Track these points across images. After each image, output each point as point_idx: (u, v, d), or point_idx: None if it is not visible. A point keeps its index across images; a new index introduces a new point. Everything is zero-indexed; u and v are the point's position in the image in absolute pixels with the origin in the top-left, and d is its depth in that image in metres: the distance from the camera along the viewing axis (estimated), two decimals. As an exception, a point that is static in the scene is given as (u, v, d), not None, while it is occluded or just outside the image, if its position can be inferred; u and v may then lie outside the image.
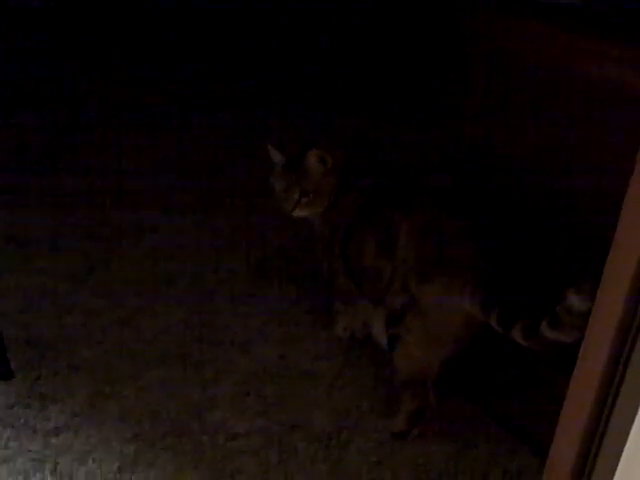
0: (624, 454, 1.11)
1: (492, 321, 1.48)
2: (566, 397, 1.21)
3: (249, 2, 4.10)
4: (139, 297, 2.14)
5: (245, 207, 2.63)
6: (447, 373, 1.70)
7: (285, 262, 2.36)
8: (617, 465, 1.13)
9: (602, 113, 1.48)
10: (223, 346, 1.96)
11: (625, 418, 1.10)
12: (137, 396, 1.77)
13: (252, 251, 2.41)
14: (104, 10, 4.33)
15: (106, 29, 4.24)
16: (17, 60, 3.86)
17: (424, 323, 1.62)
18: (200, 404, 1.76)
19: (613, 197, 1.08)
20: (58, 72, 3.86)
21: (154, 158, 3.01)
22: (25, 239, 2.39)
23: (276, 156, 1.85)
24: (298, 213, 1.83)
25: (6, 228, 2.44)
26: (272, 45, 4.02)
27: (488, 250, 1.59)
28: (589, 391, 1.14)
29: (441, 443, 1.70)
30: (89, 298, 2.12)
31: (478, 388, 1.80)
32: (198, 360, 1.90)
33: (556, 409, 1.26)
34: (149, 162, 2.97)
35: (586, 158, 1.52)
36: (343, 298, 1.95)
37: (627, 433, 1.10)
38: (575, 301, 1.29)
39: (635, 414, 1.08)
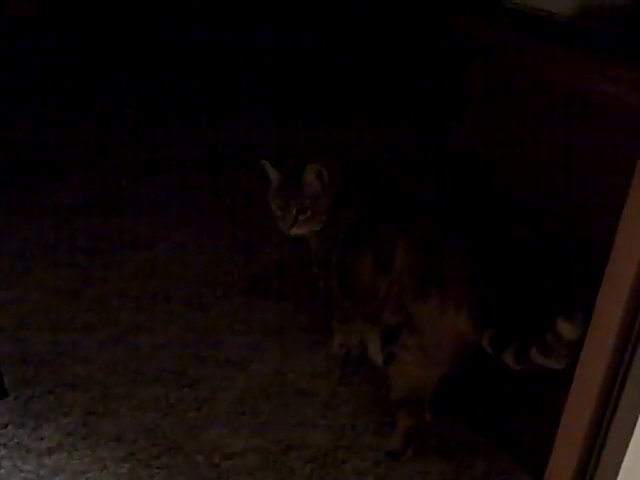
0: (623, 465, 1.11)
1: (484, 342, 1.48)
2: (564, 410, 1.21)
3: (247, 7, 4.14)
4: (134, 313, 2.13)
5: (241, 222, 2.63)
6: (443, 391, 1.70)
7: (281, 278, 2.35)
8: (616, 477, 1.13)
9: (598, 126, 1.48)
10: (219, 363, 1.96)
11: (624, 430, 1.10)
12: (132, 415, 1.76)
13: (248, 267, 2.40)
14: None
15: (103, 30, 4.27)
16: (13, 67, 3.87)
17: (420, 341, 1.61)
18: (195, 423, 1.75)
19: (612, 214, 1.08)
20: (54, 82, 3.86)
21: (151, 173, 3.00)
22: (20, 254, 2.38)
23: (272, 173, 1.81)
24: (296, 231, 1.79)
25: (1, 243, 2.43)
26: (269, 49, 4.05)
27: (485, 270, 1.59)
28: (588, 404, 1.15)
29: (437, 462, 1.69)
30: (84, 314, 2.12)
31: (474, 406, 1.79)
32: (194, 378, 1.89)
33: (552, 428, 1.26)
34: (146, 177, 2.96)
35: (584, 173, 1.52)
36: (339, 316, 1.94)
37: (626, 445, 1.10)
38: (565, 329, 1.29)
39: (634, 426, 1.08)
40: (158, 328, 2.07)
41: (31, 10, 4.48)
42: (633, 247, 1.04)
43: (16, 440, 1.67)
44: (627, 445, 1.10)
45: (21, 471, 1.59)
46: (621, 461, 1.11)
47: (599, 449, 1.16)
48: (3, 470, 1.59)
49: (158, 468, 1.63)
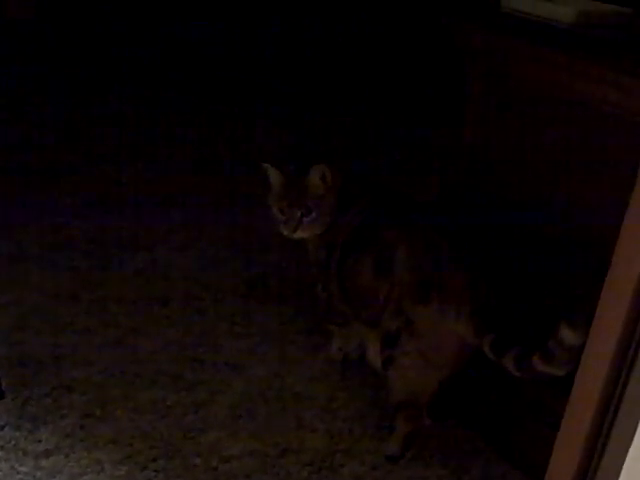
0: (624, 470, 1.11)
1: (485, 347, 1.48)
2: (565, 414, 1.20)
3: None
4: (132, 316, 2.12)
5: (240, 225, 2.63)
6: (441, 396, 1.69)
7: (280, 282, 2.35)
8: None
9: (598, 131, 1.48)
10: (217, 366, 1.95)
11: (625, 434, 1.10)
12: (129, 418, 1.76)
13: (247, 270, 2.40)
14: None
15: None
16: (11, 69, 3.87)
17: (419, 345, 1.61)
18: (193, 426, 1.75)
19: (614, 218, 1.08)
20: (52, 83, 3.86)
21: (150, 175, 3.01)
22: (19, 256, 2.38)
23: (274, 176, 1.79)
24: (300, 234, 1.78)
25: (-1, 245, 2.43)
26: (266, 50, 4.06)
27: (485, 274, 1.59)
28: (589, 407, 1.14)
29: (435, 466, 1.69)
30: (82, 317, 2.11)
31: (472, 411, 1.79)
32: (191, 381, 1.89)
33: (550, 432, 1.26)
34: (145, 180, 2.96)
35: (584, 180, 1.53)
36: (337, 319, 1.94)
37: (627, 449, 1.10)
38: (567, 335, 1.29)
39: (635, 430, 1.08)
40: (156, 331, 2.07)
41: (29, 12, 4.48)
42: (635, 252, 1.04)
43: (13, 442, 1.66)
44: (628, 449, 1.10)
45: (18, 473, 1.59)
46: (622, 465, 1.11)
47: (599, 453, 1.16)
48: (0, 472, 1.59)
49: (155, 471, 1.62)
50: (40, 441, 1.68)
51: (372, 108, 3.76)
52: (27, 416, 1.74)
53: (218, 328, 2.10)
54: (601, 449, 1.15)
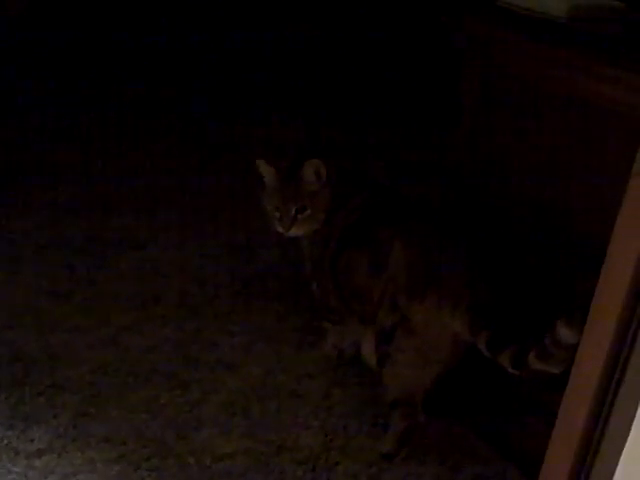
0: (619, 467, 1.11)
1: (480, 344, 1.47)
2: (560, 410, 1.20)
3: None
4: (125, 315, 2.11)
5: (234, 223, 2.61)
6: (436, 393, 1.69)
7: (274, 280, 2.34)
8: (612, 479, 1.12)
9: (595, 127, 1.47)
10: (210, 365, 1.94)
11: (620, 431, 1.10)
12: (122, 416, 1.75)
13: (240, 268, 2.38)
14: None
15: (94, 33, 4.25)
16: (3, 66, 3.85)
17: (414, 342, 1.60)
18: (187, 425, 1.74)
19: (612, 217, 1.07)
20: (44, 81, 3.84)
21: (143, 173, 2.99)
22: (11, 254, 2.36)
23: (268, 173, 1.77)
24: (295, 231, 1.77)
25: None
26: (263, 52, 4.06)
27: (481, 271, 1.58)
28: (584, 404, 1.14)
29: (430, 464, 1.68)
30: (74, 315, 2.10)
31: (467, 408, 1.79)
32: (184, 379, 1.88)
33: (545, 429, 1.26)
34: (137, 178, 2.95)
35: (582, 177, 1.52)
36: (332, 317, 1.93)
37: (622, 446, 1.10)
38: (564, 333, 1.28)
39: (630, 427, 1.08)
40: (149, 329, 2.06)
41: (21, 8, 4.46)
42: (629, 247, 1.03)
43: (5, 442, 1.65)
44: (623, 446, 1.09)
45: (10, 473, 1.57)
46: (617, 462, 1.11)
47: (595, 450, 1.15)
48: (-8, 472, 1.58)
49: (148, 470, 1.61)
50: (33, 440, 1.66)
51: (370, 108, 3.76)
52: (20, 415, 1.73)
53: (212, 326, 2.09)
54: (596, 444, 1.15)
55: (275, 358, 1.99)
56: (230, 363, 1.95)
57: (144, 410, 1.77)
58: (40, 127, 3.31)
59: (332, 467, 1.65)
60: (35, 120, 3.37)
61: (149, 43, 4.20)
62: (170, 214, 2.68)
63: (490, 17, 1.71)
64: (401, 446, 1.68)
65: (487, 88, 1.72)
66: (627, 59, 1.40)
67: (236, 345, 2.02)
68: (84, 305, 2.14)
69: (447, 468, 1.67)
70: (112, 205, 2.71)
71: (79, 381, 1.85)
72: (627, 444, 1.09)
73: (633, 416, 1.07)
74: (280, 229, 1.76)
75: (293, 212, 1.74)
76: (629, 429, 1.08)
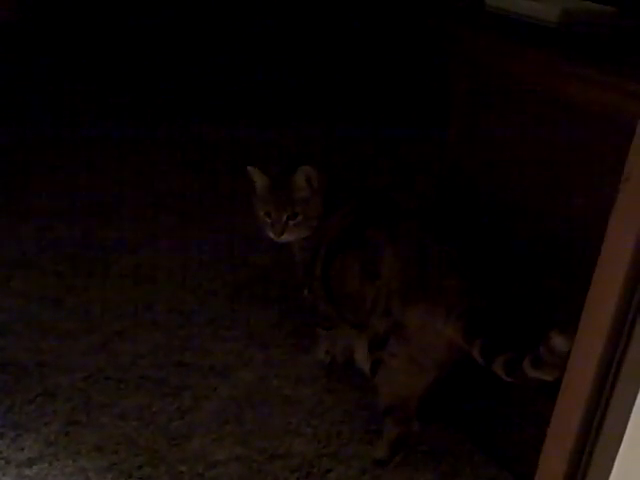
0: (613, 471, 1.11)
1: (474, 351, 1.46)
2: (553, 415, 1.20)
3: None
4: (116, 320, 2.10)
5: (225, 228, 2.61)
6: (430, 399, 1.68)
7: (266, 285, 2.33)
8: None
9: (583, 131, 1.47)
10: (202, 371, 1.93)
11: (614, 434, 1.10)
12: (114, 424, 1.74)
13: (232, 274, 2.38)
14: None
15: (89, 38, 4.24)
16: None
17: (407, 348, 1.60)
18: (178, 432, 1.73)
19: (603, 223, 1.07)
20: (36, 86, 3.83)
21: (134, 179, 2.98)
22: (2, 260, 2.35)
23: (260, 179, 1.77)
24: (286, 237, 1.76)
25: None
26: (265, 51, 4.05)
27: (474, 278, 1.57)
28: (577, 408, 1.14)
29: (424, 470, 1.67)
30: (65, 321, 2.08)
31: (461, 414, 1.78)
32: (176, 386, 1.87)
33: (538, 434, 1.25)
34: (129, 183, 2.94)
35: (571, 182, 1.52)
36: (324, 323, 1.92)
37: (616, 450, 1.10)
38: (559, 342, 1.27)
39: (624, 430, 1.08)
40: (141, 335, 2.05)
41: (12, 15, 4.44)
42: (620, 252, 1.03)
43: (-5, 451, 1.64)
44: (617, 450, 1.10)
45: (0, 482, 1.57)
46: (611, 466, 1.11)
47: (589, 454, 1.15)
48: (-18, 482, 1.57)
49: (140, 478, 1.60)
50: (23, 449, 1.65)
51: (361, 109, 3.76)
52: (10, 424, 1.71)
53: (204, 332, 2.08)
54: (590, 449, 1.14)
55: (267, 364, 1.98)
56: (222, 369, 1.94)
57: (135, 418, 1.76)
58: (28, 130, 3.29)
59: (325, 474, 1.65)
60: (24, 123, 3.36)
61: (147, 46, 4.19)
62: (162, 220, 2.68)
63: (478, 23, 1.71)
64: (394, 453, 1.67)
65: (475, 92, 1.72)
66: (618, 64, 1.40)
67: (228, 351, 2.02)
68: (75, 311, 2.13)
69: (440, 474, 1.67)
70: (103, 211, 2.70)
71: (70, 388, 1.83)
72: (621, 448, 1.09)
73: (627, 420, 1.07)
74: (272, 235, 1.76)
75: (285, 218, 1.74)
76: (623, 433, 1.08)
